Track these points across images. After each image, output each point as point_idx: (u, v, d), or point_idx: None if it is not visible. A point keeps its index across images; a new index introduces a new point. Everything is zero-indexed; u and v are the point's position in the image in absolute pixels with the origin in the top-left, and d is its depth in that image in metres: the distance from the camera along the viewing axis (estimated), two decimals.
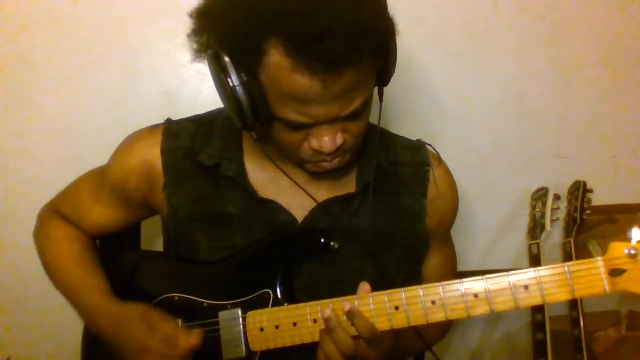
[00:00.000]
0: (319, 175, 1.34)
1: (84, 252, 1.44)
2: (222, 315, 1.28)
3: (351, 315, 1.12)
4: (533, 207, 2.05)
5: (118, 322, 1.28)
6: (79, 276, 1.39)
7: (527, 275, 1.09)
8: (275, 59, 1.05)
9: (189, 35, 1.22)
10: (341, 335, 1.12)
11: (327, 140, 1.16)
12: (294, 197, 1.34)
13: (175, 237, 1.37)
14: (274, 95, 1.10)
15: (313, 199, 1.31)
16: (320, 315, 1.14)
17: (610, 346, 2.04)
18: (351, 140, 1.22)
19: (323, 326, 1.16)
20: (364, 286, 1.16)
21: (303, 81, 1.05)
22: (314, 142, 1.17)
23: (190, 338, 1.23)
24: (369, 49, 1.08)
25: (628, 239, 1.05)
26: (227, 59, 1.09)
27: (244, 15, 1.05)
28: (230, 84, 1.10)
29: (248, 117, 1.13)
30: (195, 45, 1.22)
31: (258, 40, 1.05)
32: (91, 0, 1.89)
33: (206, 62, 1.21)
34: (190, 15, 1.21)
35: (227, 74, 1.10)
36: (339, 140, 1.17)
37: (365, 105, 1.18)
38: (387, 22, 1.13)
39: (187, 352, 1.22)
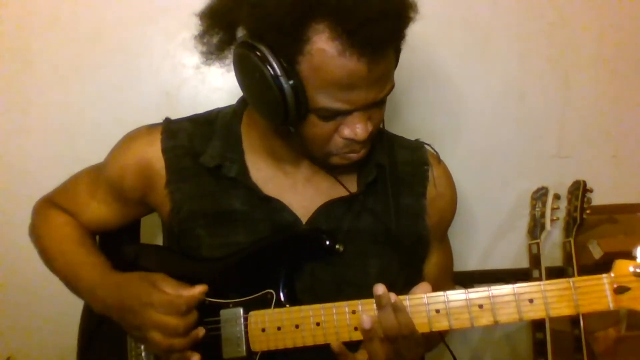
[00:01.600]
0: (333, 170, 1.33)
1: (82, 237, 1.44)
2: (224, 313, 1.28)
3: (395, 308, 1.11)
4: (533, 207, 2.05)
5: (121, 287, 1.28)
6: (82, 254, 1.40)
7: (532, 288, 1.09)
8: (320, 45, 1.05)
9: (197, 37, 1.22)
10: (390, 314, 1.11)
11: (360, 127, 1.16)
12: (294, 196, 1.34)
13: (178, 234, 1.37)
14: (314, 85, 1.09)
15: (347, 189, 1.32)
16: (374, 290, 1.12)
17: (610, 346, 2.04)
18: (374, 129, 1.22)
19: (325, 330, 1.17)
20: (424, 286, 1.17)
21: (350, 65, 1.05)
22: (346, 132, 1.17)
23: (192, 289, 1.24)
24: (404, 31, 1.12)
25: (634, 257, 1.06)
26: (265, 49, 1.07)
27: (286, 1, 1.04)
28: (272, 74, 1.07)
29: (291, 110, 1.11)
30: (204, 47, 1.22)
31: (301, 27, 1.04)
32: (91, 0, 1.89)
33: (218, 63, 1.23)
34: (199, 16, 1.21)
35: (267, 64, 1.07)
36: (370, 127, 1.18)
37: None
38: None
39: (191, 300, 1.23)
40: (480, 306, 1.11)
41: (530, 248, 1.99)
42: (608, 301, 1.06)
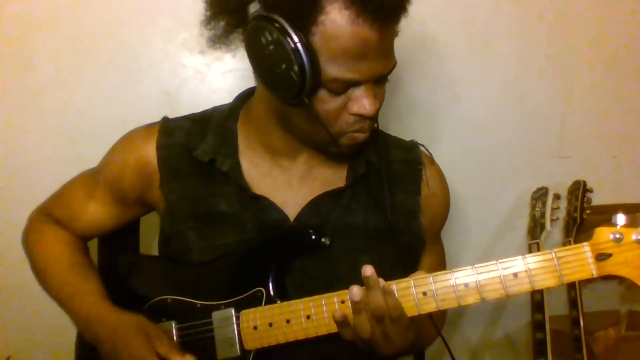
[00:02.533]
0: (340, 158, 1.35)
1: (76, 256, 1.44)
2: (216, 315, 1.28)
3: (384, 291, 1.11)
4: (533, 207, 2.05)
5: (116, 332, 1.27)
6: (73, 281, 1.39)
7: (516, 263, 1.11)
8: (333, 15, 1.07)
9: (202, 23, 1.24)
10: (378, 295, 1.10)
11: (368, 102, 1.18)
12: (289, 193, 1.35)
13: (169, 236, 1.37)
14: (326, 55, 1.11)
15: (353, 169, 1.34)
16: (362, 271, 1.11)
17: (610, 346, 2.04)
18: (378, 108, 1.23)
19: (316, 322, 1.18)
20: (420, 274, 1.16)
21: (362, 32, 1.08)
22: (355, 108, 1.18)
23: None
24: (408, 5, 1.15)
25: (613, 224, 1.08)
26: (281, 20, 1.08)
27: None
28: (291, 44, 1.08)
29: (308, 80, 1.11)
30: (210, 32, 1.24)
31: None
32: (91, 1, 1.90)
33: (224, 48, 1.25)
34: (206, 1, 1.23)
35: (285, 34, 1.08)
36: (376, 103, 1.20)
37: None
38: None
39: None
40: (466, 285, 1.12)
41: (530, 248, 1.98)
42: (591, 269, 1.07)
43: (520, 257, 1.10)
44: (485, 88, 2.11)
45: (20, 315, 2.01)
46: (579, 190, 1.99)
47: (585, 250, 1.08)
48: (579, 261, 1.08)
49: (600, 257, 1.07)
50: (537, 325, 1.90)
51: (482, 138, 2.13)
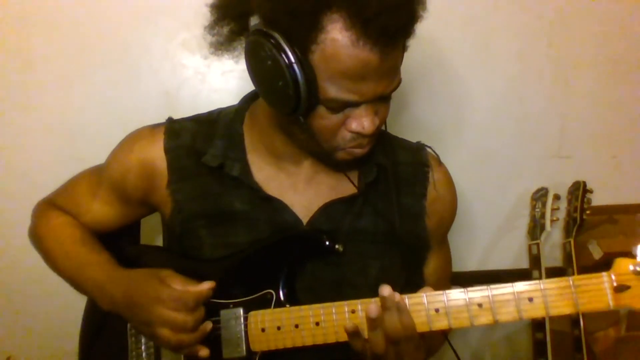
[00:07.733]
0: (340, 167, 1.34)
1: (87, 235, 1.44)
2: (224, 314, 1.28)
3: (399, 309, 1.10)
4: (533, 207, 2.05)
5: (130, 285, 1.28)
6: (86, 254, 1.39)
7: (532, 287, 1.08)
8: (334, 34, 1.05)
9: (206, 28, 1.23)
10: (395, 317, 1.09)
11: (367, 120, 1.16)
12: (295, 196, 1.34)
13: (180, 234, 1.37)
14: (325, 74, 1.09)
15: (354, 184, 1.32)
16: (380, 291, 1.09)
17: (610, 346, 2.04)
18: (380, 124, 1.22)
19: (325, 330, 1.17)
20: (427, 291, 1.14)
21: (362, 55, 1.06)
22: (353, 125, 1.17)
23: (200, 285, 1.25)
24: (414, 26, 1.13)
25: (634, 256, 1.05)
26: (279, 37, 1.07)
27: None
28: (286, 62, 1.07)
29: (303, 98, 1.10)
30: (214, 38, 1.23)
31: (317, 15, 1.05)
32: (91, 1, 1.89)
33: (227, 54, 1.24)
34: (210, 7, 1.22)
35: (281, 51, 1.07)
36: (376, 121, 1.19)
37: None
38: None
39: (199, 297, 1.24)
40: (480, 305, 1.10)
41: (530, 248, 1.99)
42: (608, 300, 1.05)
43: (538, 282, 1.08)
44: (485, 88, 2.11)
45: (20, 315, 2.01)
46: (579, 190, 1.99)
47: (603, 280, 1.05)
48: (597, 291, 1.05)
49: (619, 288, 1.04)
50: (537, 325, 1.91)
51: (482, 138, 2.13)
